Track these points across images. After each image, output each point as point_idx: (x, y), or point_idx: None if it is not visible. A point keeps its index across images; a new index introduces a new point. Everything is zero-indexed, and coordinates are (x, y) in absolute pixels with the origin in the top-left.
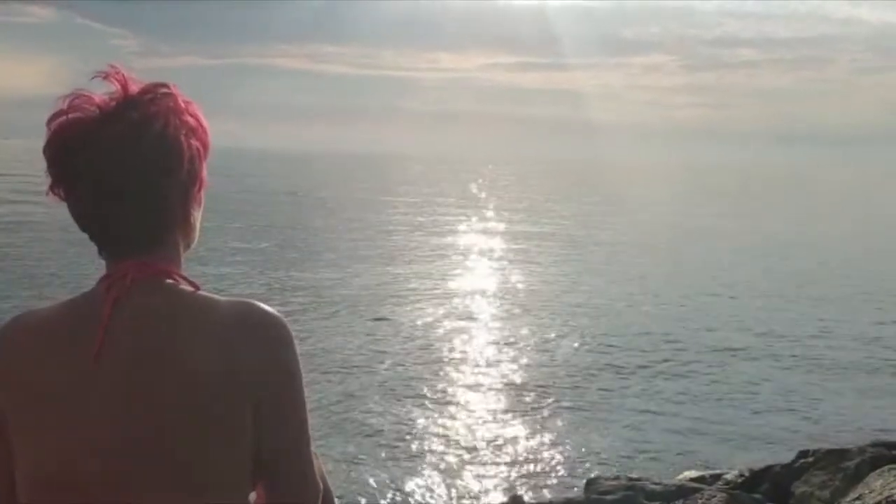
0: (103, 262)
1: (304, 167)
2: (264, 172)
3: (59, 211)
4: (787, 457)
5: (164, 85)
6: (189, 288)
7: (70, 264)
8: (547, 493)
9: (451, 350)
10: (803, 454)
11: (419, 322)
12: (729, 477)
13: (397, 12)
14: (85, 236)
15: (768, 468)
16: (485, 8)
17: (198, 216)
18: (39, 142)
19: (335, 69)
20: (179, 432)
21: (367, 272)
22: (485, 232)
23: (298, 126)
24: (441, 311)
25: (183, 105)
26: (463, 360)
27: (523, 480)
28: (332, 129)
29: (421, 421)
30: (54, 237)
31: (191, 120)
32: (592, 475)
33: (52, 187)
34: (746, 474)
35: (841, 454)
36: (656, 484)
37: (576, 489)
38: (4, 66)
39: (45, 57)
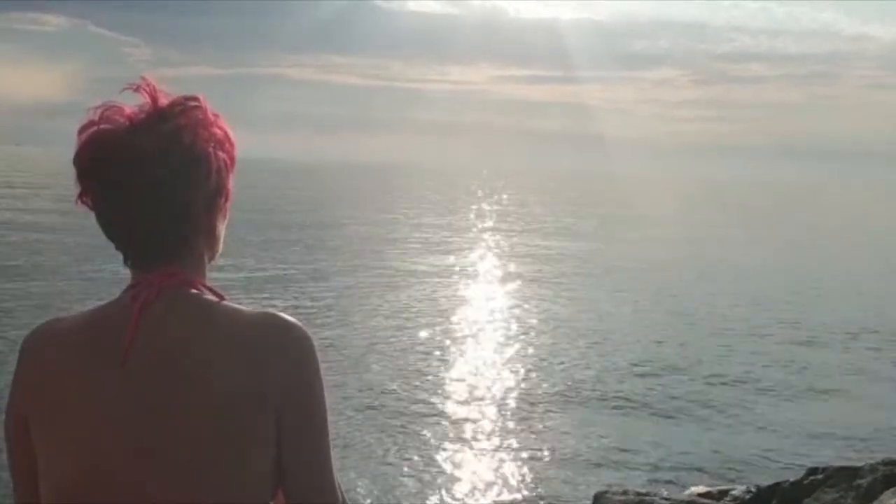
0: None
1: (312, 178)
2: (270, 183)
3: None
4: (790, 472)
5: (194, 98)
6: (213, 298)
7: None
8: None
9: (455, 363)
10: (812, 471)
11: (423, 332)
12: (736, 493)
13: (408, 24)
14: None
15: (776, 484)
16: (495, 21)
17: (222, 228)
18: (53, 148)
19: (345, 80)
20: (199, 440)
21: (358, 288)
22: (493, 248)
23: (307, 136)
24: (447, 325)
25: (212, 118)
26: (467, 373)
27: (529, 494)
28: (341, 139)
29: (423, 433)
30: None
31: (219, 132)
32: (599, 489)
33: (80, 196)
34: (754, 490)
35: (852, 472)
36: (666, 499)
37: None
38: (18, 74)
39: (58, 65)
